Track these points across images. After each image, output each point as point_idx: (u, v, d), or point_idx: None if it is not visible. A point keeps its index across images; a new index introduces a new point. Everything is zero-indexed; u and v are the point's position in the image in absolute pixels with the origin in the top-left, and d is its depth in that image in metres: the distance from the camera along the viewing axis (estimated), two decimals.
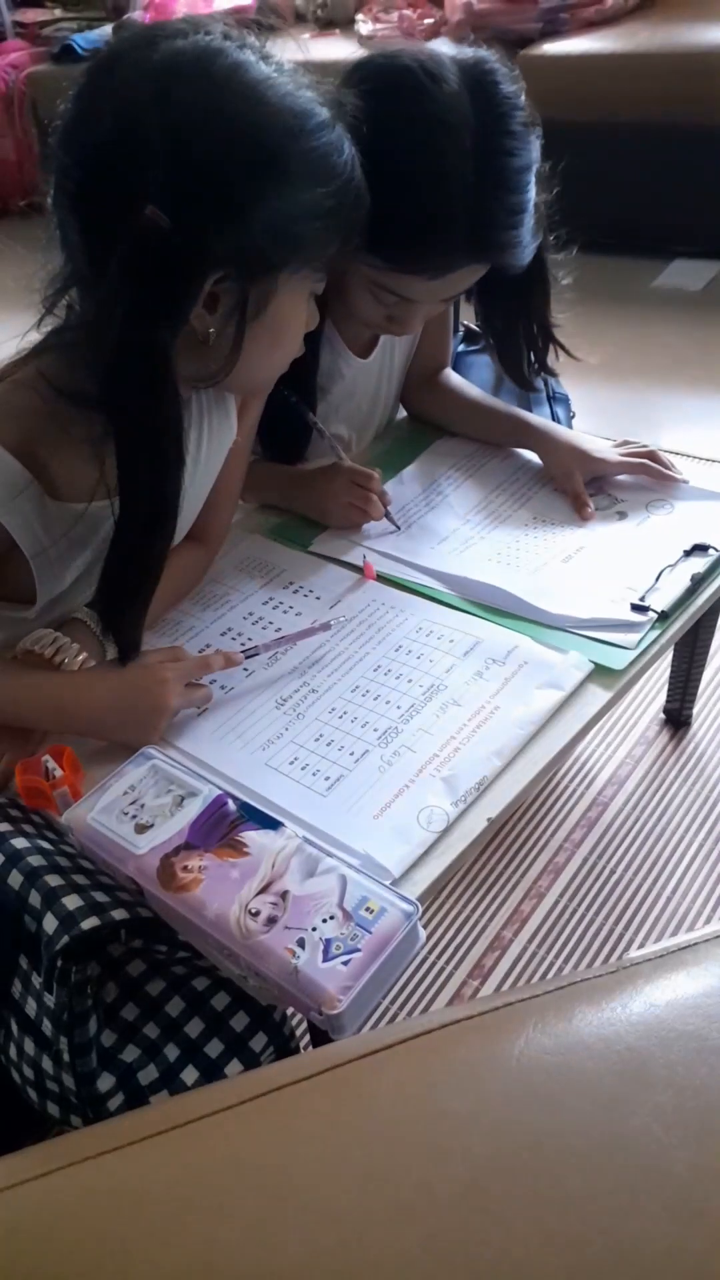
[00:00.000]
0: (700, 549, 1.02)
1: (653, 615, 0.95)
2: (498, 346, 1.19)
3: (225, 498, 1.04)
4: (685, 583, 0.98)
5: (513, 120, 0.89)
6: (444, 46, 0.92)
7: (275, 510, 1.17)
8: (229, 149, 0.71)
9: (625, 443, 1.18)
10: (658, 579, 0.99)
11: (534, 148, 0.92)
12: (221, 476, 1.01)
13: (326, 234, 0.78)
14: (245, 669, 0.92)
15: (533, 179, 0.92)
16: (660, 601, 0.96)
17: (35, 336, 0.82)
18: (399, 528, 1.12)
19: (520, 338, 1.16)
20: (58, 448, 0.81)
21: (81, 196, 0.72)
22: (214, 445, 0.97)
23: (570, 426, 1.40)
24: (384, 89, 0.88)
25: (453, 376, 1.29)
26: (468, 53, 0.91)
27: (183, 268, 0.72)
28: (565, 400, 1.39)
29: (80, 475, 0.80)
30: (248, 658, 0.92)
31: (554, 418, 1.38)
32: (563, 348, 1.19)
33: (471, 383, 1.30)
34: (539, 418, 1.22)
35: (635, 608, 0.96)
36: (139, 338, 0.73)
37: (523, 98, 0.91)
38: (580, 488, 1.13)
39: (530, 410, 1.36)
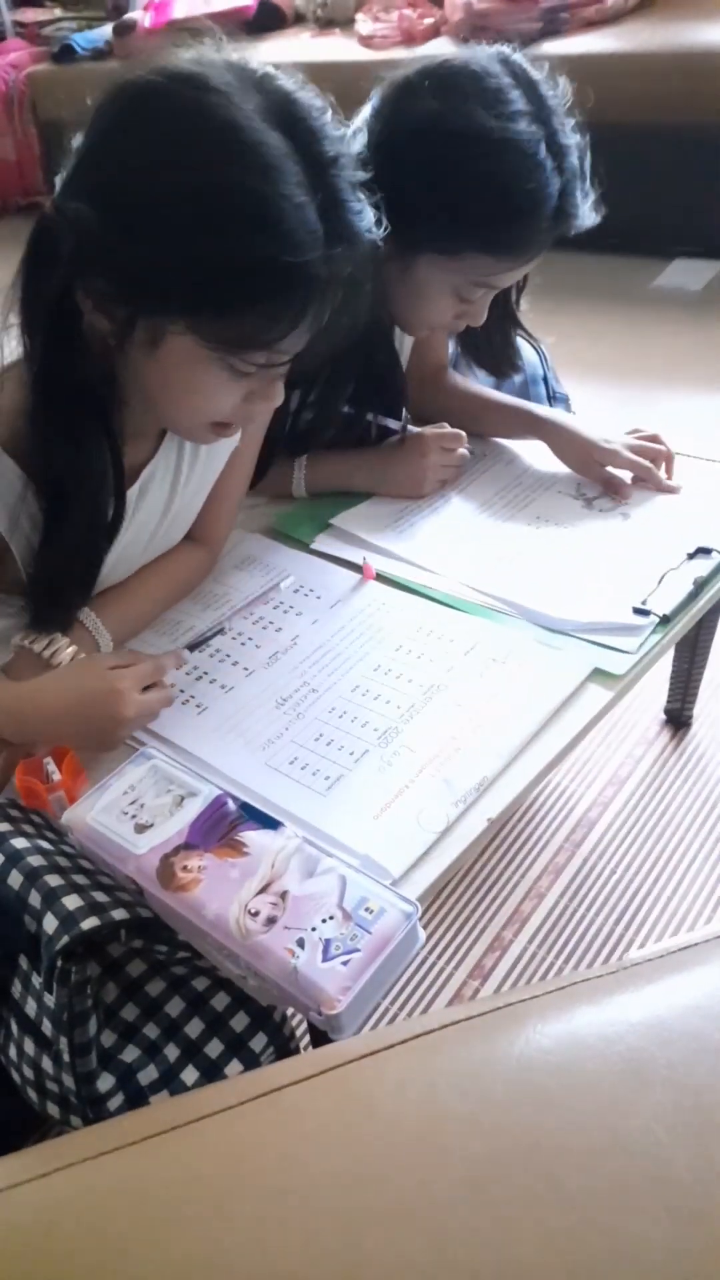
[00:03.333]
0: (703, 551, 1.02)
1: (654, 619, 0.95)
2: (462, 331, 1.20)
3: (227, 500, 1.04)
4: (688, 586, 0.98)
5: (554, 97, 0.95)
6: (449, 46, 0.95)
7: (277, 507, 1.17)
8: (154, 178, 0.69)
9: (635, 431, 1.18)
10: (660, 582, 0.99)
11: (574, 117, 0.97)
12: (224, 478, 1.01)
13: (238, 306, 0.71)
14: (245, 669, 0.92)
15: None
16: (662, 605, 0.96)
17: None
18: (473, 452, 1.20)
19: (487, 322, 1.17)
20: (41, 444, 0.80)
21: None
22: (209, 454, 0.96)
23: None
24: (460, 95, 0.92)
25: (454, 375, 1.29)
26: (489, 49, 0.96)
27: (60, 255, 0.71)
28: (565, 400, 1.39)
29: None
30: (192, 650, 0.91)
31: None
32: (525, 330, 1.22)
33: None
34: (547, 408, 1.23)
35: (637, 611, 0.96)
36: (35, 314, 0.75)
37: (554, 78, 0.97)
38: (604, 473, 1.14)
39: None
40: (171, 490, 0.95)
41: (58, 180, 0.74)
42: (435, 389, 1.28)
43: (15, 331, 0.77)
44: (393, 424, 1.18)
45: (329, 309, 0.75)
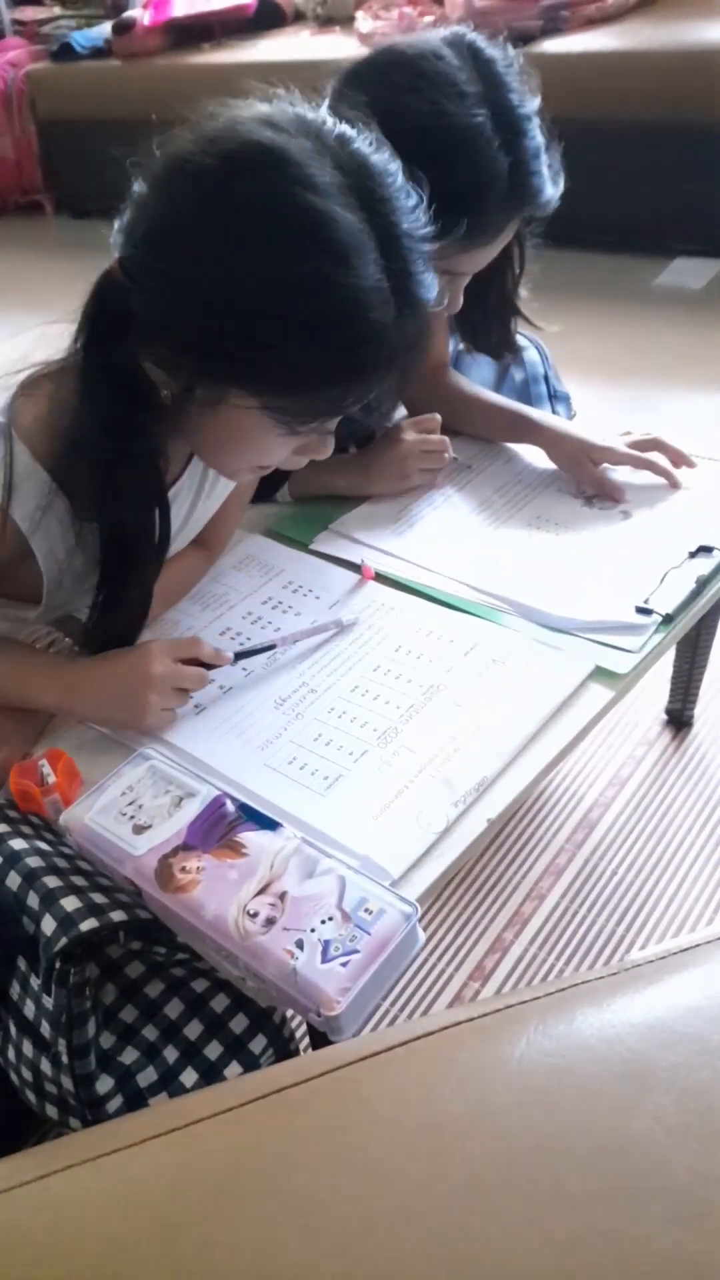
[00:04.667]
0: (705, 550, 1.02)
1: (657, 618, 0.94)
2: (460, 313, 1.19)
3: (233, 508, 1.05)
4: (690, 585, 0.98)
5: (509, 73, 0.94)
6: (430, 33, 0.95)
7: (275, 508, 1.17)
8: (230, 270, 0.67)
9: (627, 434, 1.18)
10: (662, 581, 0.99)
11: (534, 94, 0.96)
12: (234, 488, 1.01)
13: (311, 388, 0.72)
14: (244, 669, 0.92)
15: (538, 123, 0.96)
16: (665, 604, 0.96)
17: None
18: (468, 464, 1.18)
19: (485, 308, 1.18)
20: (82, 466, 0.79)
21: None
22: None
23: None
24: (395, 82, 0.91)
25: (455, 375, 1.29)
26: (443, 32, 0.96)
27: (130, 320, 0.71)
28: (566, 399, 1.39)
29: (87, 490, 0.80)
30: (237, 659, 0.91)
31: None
32: (525, 318, 1.22)
33: (472, 381, 1.30)
34: (542, 412, 1.22)
35: (639, 610, 0.95)
36: (99, 369, 0.74)
37: (510, 53, 0.96)
38: (595, 473, 1.14)
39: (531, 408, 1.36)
40: (191, 507, 0.95)
41: (117, 227, 0.72)
42: (434, 388, 1.28)
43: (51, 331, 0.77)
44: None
45: (394, 377, 0.75)
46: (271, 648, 0.93)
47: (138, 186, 0.70)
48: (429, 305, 0.73)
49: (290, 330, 0.68)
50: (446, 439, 1.15)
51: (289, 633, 0.95)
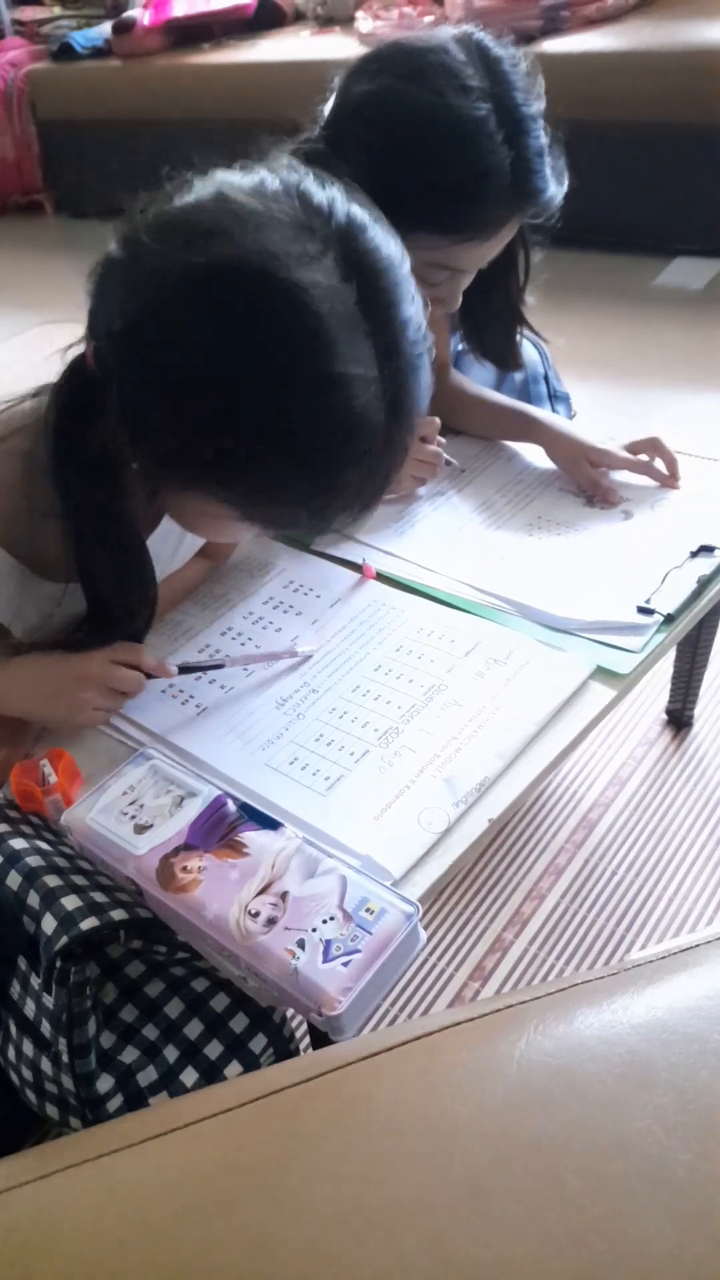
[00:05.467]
0: (706, 550, 1.02)
1: (658, 618, 0.94)
2: (463, 317, 1.19)
3: None
4: (691, 585, 0.98)
5: (515, 73, 0.94)
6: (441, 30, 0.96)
7: None
8: (194, 384, 0.63)
9: (633, 443, 1.18)
10: (663, 581, 0.99)
11: (539, 96, 0.96)
12: None
13: (286, 504, 0.68)
14: (245, 669, 0.92)
15: (543, 124, 0.96)
16: (666, 604, 0.96)
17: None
18: (456, 463, 1.17)
19: (490, 312, 1.17)
20: (41, 524, 0.76)
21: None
22: None
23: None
24: (399, 73, 0.92)
25: (456, 375, 1.29)
26: (452, 30, 0.96)
27: (104, 413, 0.68)
28: (566, 399, 1.39)
29: (62, 552, 0.78)
30: (182, 672, 0.89)
31: None
32: (529, 326, 1.21)
33: (472, 381, 1.30)
34: (543, 411, 1.22)
35: (641, 610, 0.95)
36: (65, 453, 0.73)
37: (518, 53, 0.97)
38: (591, 474, 1.14)
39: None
40: (180, 537, 0.95)
41: (90, 313, 0.68)
42: (436, 387, 1.28)
43: None
44: None
45: (377, 488, 0.70)
46: (219, 666, 0.92)
47: (113, 255, 0.65)
48: (425, 399, 0.69)
49: (270, 451, 0.64)
50: (439, 450, 1.14)
51: (240, 656, 0.94)
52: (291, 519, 0.73)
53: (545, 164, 0.96)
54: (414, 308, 0.66)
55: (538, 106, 0.95)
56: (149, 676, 0.86)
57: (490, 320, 1.18)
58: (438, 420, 1.16)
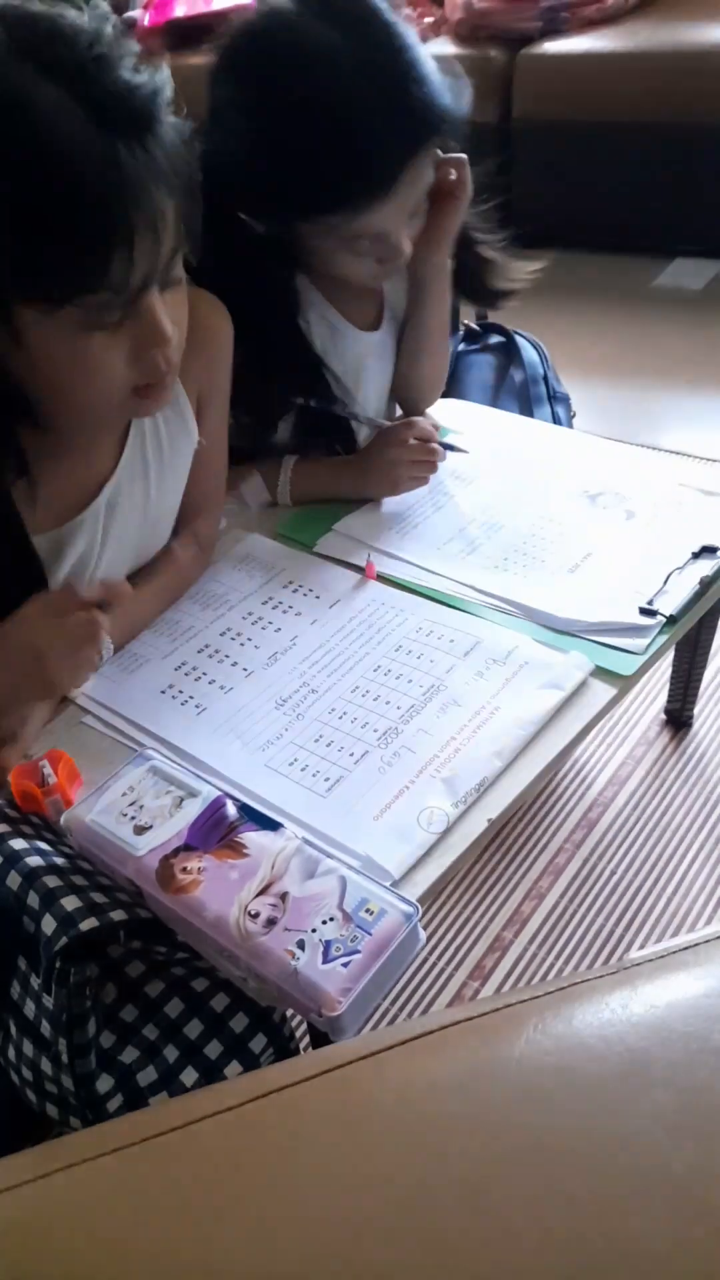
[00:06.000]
0: (708, 551, 1.02)
1: (661, 619, 0.94)
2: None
3: (207, 499, 1.04)
4: (694, 586, 0.97)
5: (378, 14, 0.90)
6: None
7: (278, 511, 1.17)
8: None
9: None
10: (666, 582, 0.99)
11: (402, 23, 0.91)
12: (197, 479, 1.00)
13: (48, 254, 0.66)
14: (244, 670, 0.92)
15: (417, 51, 0.91)
16: (669, 605, 0.96)
17: None
18: (466, 450, 1.15)
19: (458, 250, 1.16)
20: None
21: None
22: (173, 455, 0.95)
23: (570, 426, 1.40)
24: (250, 67, 0.91)
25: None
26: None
27: None
28: (565, 400, 1.39)
29: None
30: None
31: (554, 417, 1.38)
32: (493, 256, 1.19)
33: (471, 383, 1.30)
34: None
35: (643, 611, 0.95)
36: None
37: None
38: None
39: (531, 412, 1.36)
40: (145, 496, 0.94)
41: None
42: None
43: None
44: (363, 418, 1.16)
45: (162, 219, 0.68)
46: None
47: None
48: (146, 121, 0.66)
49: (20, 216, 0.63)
50: (438, 448, 1.14)
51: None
52: (77, 272, 0.67)
53: (424, 94, 0.91)
54: (83, 22, 0.66)
55: (404, 39, 0.90)
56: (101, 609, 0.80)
57: (459, 256, 1.15)
58: (434, 419, 1.15)
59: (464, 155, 1.06)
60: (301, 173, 0.90)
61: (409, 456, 1.12)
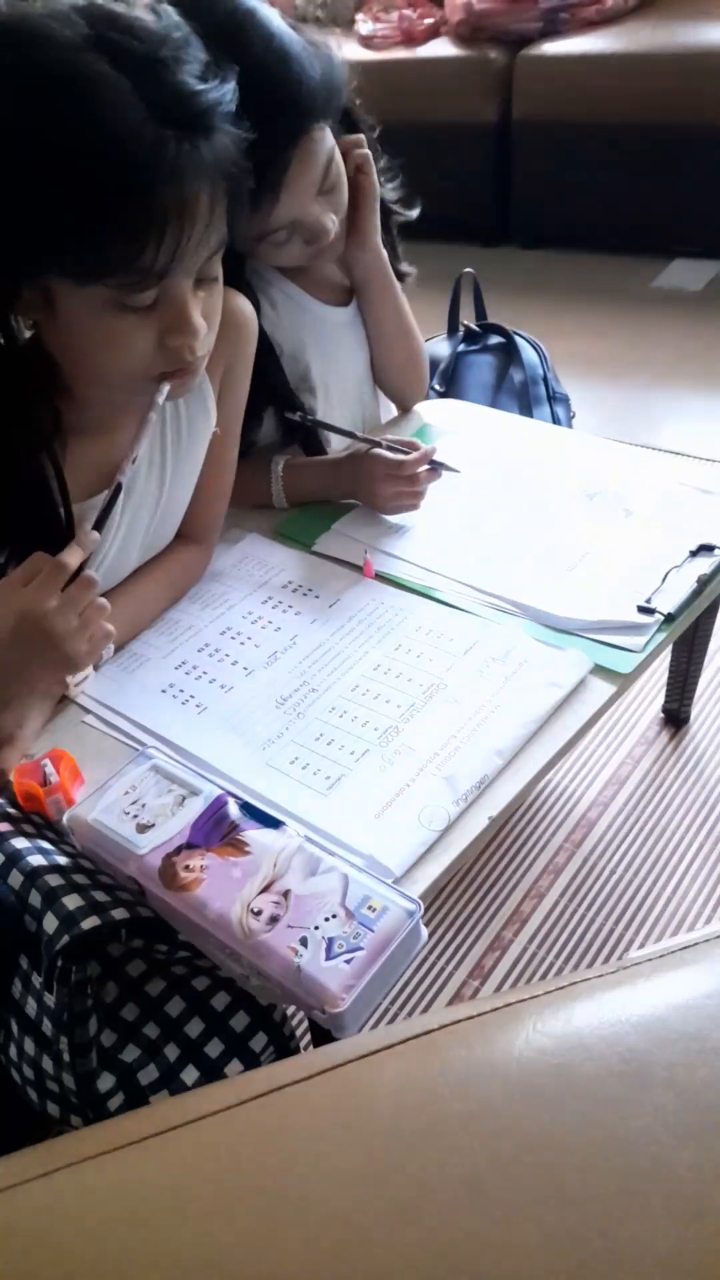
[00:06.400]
0: (706, 549, 1.02)
1: (659, 617, 0.94)
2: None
3: (213, 492, 1.03)
4: (691, 584, 0.98)
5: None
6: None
7: (278, 511, 1.17)
8: None
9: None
10: (664, 580, 0.99)
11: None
12: (207, 470, 1.00)
13: (85, 230, 0.68)
14: (245, 668, 0.92)
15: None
16: (667, 603, 0.96)
17: None
18: (458, 470, 1.13)
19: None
20: None
21: None
22: (190, 443, 0.96)
23: (570, 426, 1.40)
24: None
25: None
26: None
27: None
28: (565, 400, 1.39)
29: None
30: (97, 528, 0.80)
31: (554, 418, 1.38)
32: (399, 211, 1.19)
33: (471, 383, 1.30)
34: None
35: (642, 609, 0.95)
36: None
37: None
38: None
39: (530, 412, 1.36)
40: (160, 484, 0.94)
41: None
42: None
43: None
44: (302, 417, 1.14)
45: (202, 215, 0.71)
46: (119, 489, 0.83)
47: None
48: (209, 122, 0.69)
49: (34, 173, 0.66)
50: (421, 489, 1.09)
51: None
52: (121, 255, 0.69)
53: (291, 67, 0.89)
54: (162, 25, 0.70)
55: (270, 27, 0.89)
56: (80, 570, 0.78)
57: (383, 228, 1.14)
58: (420, 445, 1.10)
59: (367, 151, 1.06)
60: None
61: (394, 489, 1.10)
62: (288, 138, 0.93)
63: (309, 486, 1.16)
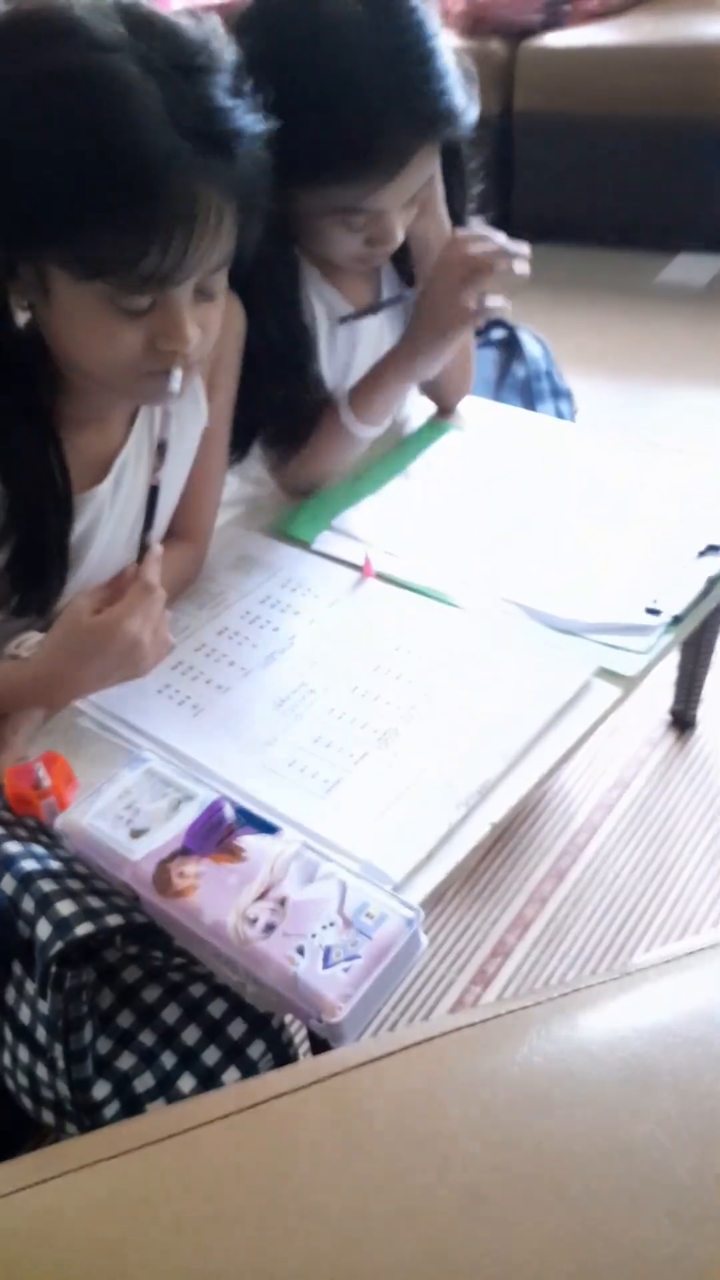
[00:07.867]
0: (713, 549, 1.01)
1: (666, 618, 0.93)
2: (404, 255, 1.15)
3: (206, 488, 1.03)
4: (699, 585, 0.97)
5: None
6: (451, 39, 0.93)
7: (276, 508, 1.16)
8: None
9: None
10: (671, 581, 0.98)
11: (430, 14, 0.92)
12: (199, 467, 0.99)
13: (85, 224, 0.69)
14: (242, 669, 0.92)
15: (440, 43, 0.92)
16: (674, 605, 0.95)
17: None
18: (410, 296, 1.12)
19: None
20: None
21: None
22: (181, 437, 0.95)
23: (574, 421, 1.40)
24: (270, 25, 0.90)
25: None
26: None
27: None
28: (568, 395, 1.39)
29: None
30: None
31: (557, 413, 1.37)
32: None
33: (474, 377, 1.29)
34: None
35: (649, 611, 0.94)
36: None
37: None
38: (469, 298, 1.07)
39: (534, 407, 1.36)
40: (149, 478, 0.93)
41: None
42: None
43: None
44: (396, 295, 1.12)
45: (208, 230, 0.71)
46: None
47: None
48: (236, 145, 0.70)
49: (40, 158, 0.67)
50: (496, 243, 1.06)
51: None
52: (116, 253, 0.69)
53: (446, 83, 0.92)
54: (195, 35, 0.71)
55: (428, 27, 0.91)
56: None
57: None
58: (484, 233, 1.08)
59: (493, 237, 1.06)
60: (311, 137, 0.87)
61: (467, 256, 1.05)
62: (419, 135, 0.93)
63: (378, 395, 1.12)
